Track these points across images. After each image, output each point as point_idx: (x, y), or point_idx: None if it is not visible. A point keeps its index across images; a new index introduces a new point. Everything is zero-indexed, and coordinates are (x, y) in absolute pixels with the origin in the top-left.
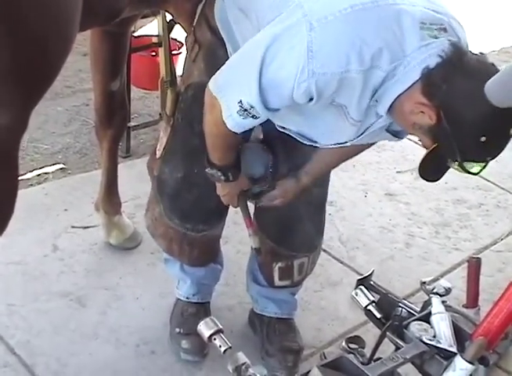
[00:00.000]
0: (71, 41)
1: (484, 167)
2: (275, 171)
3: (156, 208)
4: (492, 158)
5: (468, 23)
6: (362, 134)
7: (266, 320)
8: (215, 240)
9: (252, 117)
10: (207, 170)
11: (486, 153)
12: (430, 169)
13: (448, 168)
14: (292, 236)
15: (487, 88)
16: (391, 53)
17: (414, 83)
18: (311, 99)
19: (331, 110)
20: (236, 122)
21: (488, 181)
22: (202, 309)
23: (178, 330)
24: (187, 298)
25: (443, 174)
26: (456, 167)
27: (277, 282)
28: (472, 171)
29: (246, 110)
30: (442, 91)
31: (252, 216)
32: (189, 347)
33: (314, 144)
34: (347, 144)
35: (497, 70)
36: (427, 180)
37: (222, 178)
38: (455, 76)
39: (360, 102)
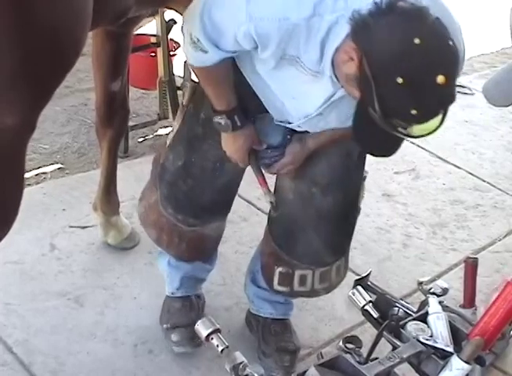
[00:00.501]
0: (83, 42)
1: (427, 134)
2: (291, 139)
3: (152, 196)
4: (422, 118)
5: (468, 24)
6: (328, 101)
7: (262, 321)
8: (205, 239)
9: (201, 50)
10: (214, 119)
11: (406, 100)
12: (367, 135)
13: (390, 136)
14: (294, 243)
15: (484, 88)
16: (333, 2)
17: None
18: (259, 49)
19: (289, 67)
20: (191, 54)
21: (486, 182)
22: (187, 302)
23: (165, 325)
24: (172, 293)
25: (389, 145)
26: (398, 130)
27: (276, 286)
28: (412, 133)
29: (194, 42)
30: (367, 32)
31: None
32: (178, 339)
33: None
34: (316, 116)
35: (429, 13)
36: (375, 155)
37: (229, 124)
38: (382, 17)
39: (309, 52)
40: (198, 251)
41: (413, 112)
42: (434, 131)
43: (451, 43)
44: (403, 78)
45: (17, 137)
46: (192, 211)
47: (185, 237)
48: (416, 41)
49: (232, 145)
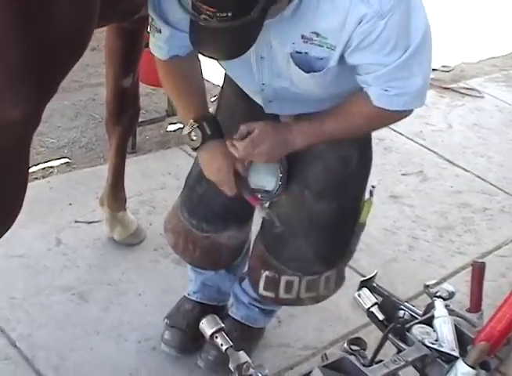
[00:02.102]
0: (88, 37)
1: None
2: (284, 182)
3: (177, 200)
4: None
5: (478, 27)
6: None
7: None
8: (220, 248)
9: (156, 31)
10: (182, 133)
11: None
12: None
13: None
14: (283, 247)
15: None
16: None
17: None
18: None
19: None
20: (151, 42)
21: (493, 185)
22: (198, 308)
23: (166, 320)
24: (188, 294)
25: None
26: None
27: (261, 291)
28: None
29: (151, 25)
30: None
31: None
32: (169, 339)
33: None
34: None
35: None
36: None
37: (199, 134)
38: None
39: None
40: (212, 259)
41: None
42: (207, 28)
43: None
44: None
45: (22, 130)
46: (205, 216)
47: (199, 244)
48: None
49: (210, 165)
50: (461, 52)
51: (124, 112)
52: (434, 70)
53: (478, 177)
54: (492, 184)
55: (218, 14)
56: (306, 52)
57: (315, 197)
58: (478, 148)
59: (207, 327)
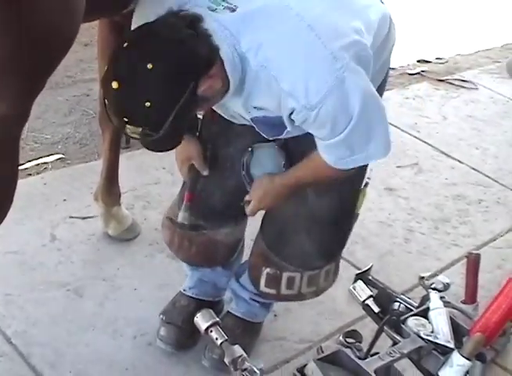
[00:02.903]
0: (76, 30)
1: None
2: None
3: (175, 197)
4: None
5: (472, 20)
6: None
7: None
8: (216, 245)
9: None
10: None
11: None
12: None
13: None
14: (285, 244)
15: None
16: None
17: None
18: None
19: None
20: None
21: (488, 177)
22: (193, 304)
23: (161, 316)
24: (184, 290)
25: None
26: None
27: (263, 287)
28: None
29: None
30: None
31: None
32: (164, 335)
33: None
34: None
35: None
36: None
37: None
38: None
39: None
40: (208, 256)
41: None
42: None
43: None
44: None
45: (10, 126)
46: (201, 211)
47: (195, 241)
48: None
49: (180, 155)
50: (455, 44)
51: None
52: (428, 62)
53: (473, 169)
54: (487, 176)
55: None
56: (264, 116)
57: (317, 194)
58: (473, 140)
59: (201, 321)
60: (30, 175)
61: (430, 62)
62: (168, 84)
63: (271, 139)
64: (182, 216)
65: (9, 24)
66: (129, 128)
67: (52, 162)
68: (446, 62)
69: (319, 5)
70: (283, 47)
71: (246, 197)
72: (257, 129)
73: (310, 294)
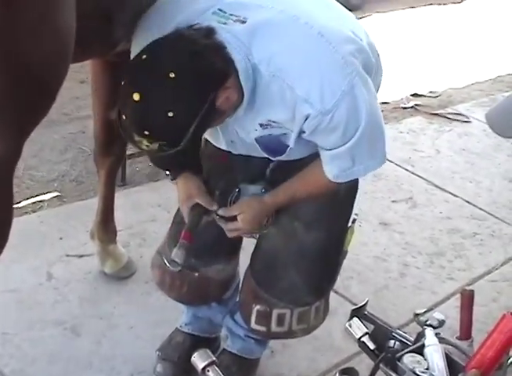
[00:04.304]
0: (67, 68)
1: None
2: (272, 215)
3: (165, 237)
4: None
5: (464, 53)
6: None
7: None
8: (208, 282)
9: None
10: None
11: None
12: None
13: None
14: (274, 280)
15: (488, 117)
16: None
17: None
18: None
19: None
20: None
21: (483, 210)
22: (189, 340)
23: (158, 353)
24: (180, 326)
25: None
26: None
27: (253, 325)
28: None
29: None
30: None
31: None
32: (160, 371)
33: None
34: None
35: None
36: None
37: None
38: None
39: None
40: (200, 294)
41: (123, 117)
42: (148, 152)
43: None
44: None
45: (3, 165)
46: (193, 249)
47: (187, 279)
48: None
49: (183, 192)
50: (448, 78)
51: (112, 143)
52: (421, 95)
53: (468, 202)
54: (481, 209)
55: (150, 146)
56: (269, 134)
57: (306, 227)
58: (467, 173)
59: (198, 360)
60: (27, 213)
61: (423, 96)
62: (191, 94)
63: (273, 159)
64: (175, 253)
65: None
66: (146, 144)
67: (48, 200)
68: (439, 95)
69: (322, 17)
70: (296, 55)
71: (220, 212)
72: (260, 149)
73: (301, 332)
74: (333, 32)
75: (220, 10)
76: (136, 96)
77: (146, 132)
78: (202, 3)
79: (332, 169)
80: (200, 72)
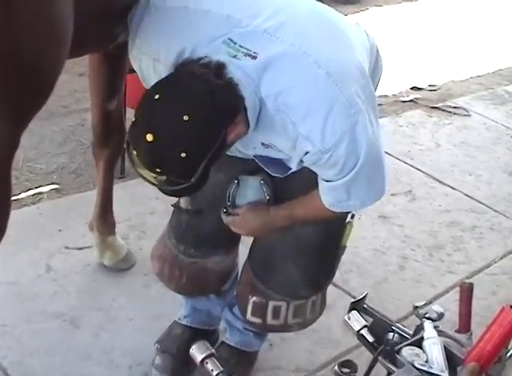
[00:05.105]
0: (62, 63)
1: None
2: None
3: (165, 227)
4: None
5: (464, 46)
6: None
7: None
8: (207, 273)
9: None
10: None
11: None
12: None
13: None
14: (271, 272)
15: None
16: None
17: None
18: None
19: None
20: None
21: (482, 203)
22: (188, 332)
23: (157, 345)
24: (179, 318)
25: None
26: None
27: (249, 316)
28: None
29: None
30: None
31: None
32: (159, 364)
33: None
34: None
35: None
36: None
37: None
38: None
39: None
40: (199, 285)
41: (134, 152)
42: (155, 184)
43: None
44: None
45: (1, 155)
46: (192, 240)
47: (186, 270)
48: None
49: None
50: (447, 71)
51: (110, 135)
52: (421, 89)
53: (467, 195)
54: (480, 202)
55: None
56: (267, 155)
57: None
58: (466, 166)
59: (197, 352)
60: (26, 205)
61: (422, 89)
62: (204, 135)
63: (274, 175)
64: (183, 203)
65: None
66: (154, 176)
67: (47, 192)
68: (439, 89)
69: (331, 48)
70: (302, 94)
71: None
72: (260, 164)
73: (296, 326)
74: (340, 71)
75: (230, 40)
76: (150, 137)
77: (158, 170)
78: (213, 29)
79: (328, 199)
80: (214, 112)
